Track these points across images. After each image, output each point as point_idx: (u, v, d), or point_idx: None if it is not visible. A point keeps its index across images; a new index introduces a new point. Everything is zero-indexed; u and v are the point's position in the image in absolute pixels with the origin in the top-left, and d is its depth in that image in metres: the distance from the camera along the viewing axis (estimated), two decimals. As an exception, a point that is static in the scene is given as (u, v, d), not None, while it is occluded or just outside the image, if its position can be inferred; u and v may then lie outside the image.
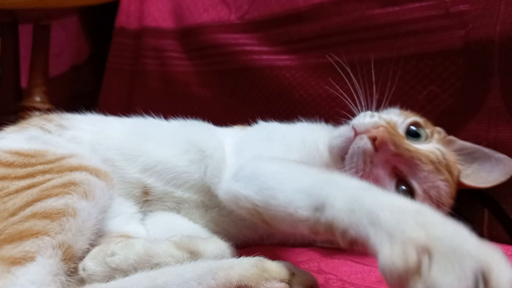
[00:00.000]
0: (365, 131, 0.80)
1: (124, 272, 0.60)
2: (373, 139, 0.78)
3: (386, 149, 0.78)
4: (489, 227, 0.94)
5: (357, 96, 0.93)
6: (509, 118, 0.92)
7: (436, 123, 0.95)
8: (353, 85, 0.95)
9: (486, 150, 0.90)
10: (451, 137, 0.93)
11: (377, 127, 0.79)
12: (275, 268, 0.58)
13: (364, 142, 0.79)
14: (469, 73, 0.99)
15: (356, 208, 0.46)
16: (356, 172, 0.78)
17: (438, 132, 0.91)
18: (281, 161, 0.70)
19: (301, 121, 1.02)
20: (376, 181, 0.78)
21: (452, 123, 0.98)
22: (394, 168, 0.80)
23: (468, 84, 0.99)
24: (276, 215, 0.58)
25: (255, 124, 1.05)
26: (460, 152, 0.91)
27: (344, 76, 1.03)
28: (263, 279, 0.56)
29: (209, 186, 0.88)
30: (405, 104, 1.00)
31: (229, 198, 0.71)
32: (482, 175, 0.89)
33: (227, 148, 0.93)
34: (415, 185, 0.80)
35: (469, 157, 0.91)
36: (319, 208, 0.51)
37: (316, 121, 1.01)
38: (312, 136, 0.92)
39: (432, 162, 0.80)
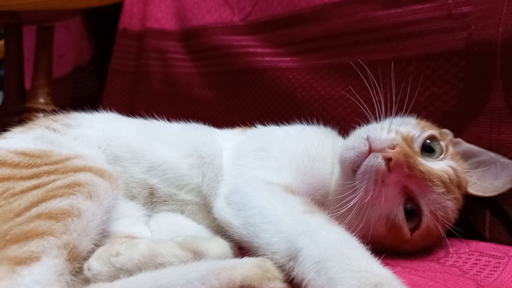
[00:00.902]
0: (381, 150, 0.77)
1: (129, 272, 0.61)
2: (388, 160, 0.76)
3: (399, 171, 0.76)
4: (491, 229, 0.94)
5: (359, 98, 0.92)
6: (511, 119, 0.92)
7: (438, 125, 0.95)
8: (354, 87, 0.95)
9: (492, 154, 0.90)
10: (457, 139, 0.93)
11: (394, 147, 0.77)
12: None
13: (378, 162, 0.76)
14: (471, 75, 0.99)
15: (322, 272, 0.53)
16: (367, 190, 0.77)
17: (453, 145, 0.89)
18: (270, 192, 0.74)
19: (302, 123, 1.02)
20: (386, 200, 0.77)
21: (454, 125, 0.98)
22: (404, 187, 0.78)
23: (470, 86, 0.99)
24: (259, 251, 0.63)
25: (254, 128, 1.05)
26: (465, 155, 0.91)
27: (346, 78, 1.03)
28: (266, 279, 0.56)
29: (206, 196, 0.91)
30: (407, 105, 1.00)
31: (221, 220, 0.75)
32: (488, 181, 0.88)
33: (225, 154, 0.95)
34: (423, 206, 0.79)
35: (474, 160, 0.90)
36: (293, 257, 0.57)
37: (317, 124, 1.00)
38: (307, 144, 0.91)
39: (443, 183, 0.79)
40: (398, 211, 0.78)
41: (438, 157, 0.84)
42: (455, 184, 0.81)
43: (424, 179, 0.77)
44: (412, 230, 0.79)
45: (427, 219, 0.79)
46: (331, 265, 0.53)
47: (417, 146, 0.83)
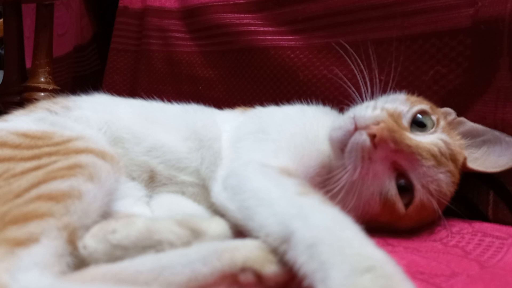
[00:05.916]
0: (365, 127, 0.78)
1: (125, 249, 0.59)
2: (373, 136, 0.76)
3: (385, 146, 0.76)
4: (494, 209, 0.94)
5: (361, 78, 0.91)
6: (517, 99, 0.91)
7: (442, 104, 0.94)
8: (358, 66, 0.94)
9: (497, 133, 0.89)
10: (461, 119, 0.92)
11: (378, 123, 0.77)
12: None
13: (363, 139, 0.77)
14: (477, 53, 0.97)
15: (314, 256, 0.51)
16: (355, 167, 0.77)
17: (445, 118, 0.89)
18: (265, 175, 0.72)
19: (302, 103, 1.00)
20: (375, 176, 0.78)
21: (459, 104, 0.97)
22: (393, 163, 0.78)
23: (476, 64, 0.97)
24: (253, 233, 0.61)
25: (253, 110, 1.04)
26: (469, 134, 0.90)
27: (349, 56, 1.02)
28: (267, 261, 0.56)
29: (205, 179, 0.90)
30: (411, 84, 0.99)
31: (218, 204, 0.74)
32: (492, 159, 0.88)
33: (224, 136, 0.94)
34: (414, 180, 0.78)
35: (478, 140, 0.90)
36: (286, 240, 0.55)
37: (318, 104, 0.99)
38: (307, 125, 0.90)
39: (433, 156, 0.79)
40: (390, 187, 0.79)
41: (430, 130, 0.83)
42: (448, 157, 0.81)
43: (412, 153, 0.77)
44: (406, 206, 0.80)
45: (419, 193, 0.79)
46: (323, 248, 0.51)
47: (405, 121, 0.83)
